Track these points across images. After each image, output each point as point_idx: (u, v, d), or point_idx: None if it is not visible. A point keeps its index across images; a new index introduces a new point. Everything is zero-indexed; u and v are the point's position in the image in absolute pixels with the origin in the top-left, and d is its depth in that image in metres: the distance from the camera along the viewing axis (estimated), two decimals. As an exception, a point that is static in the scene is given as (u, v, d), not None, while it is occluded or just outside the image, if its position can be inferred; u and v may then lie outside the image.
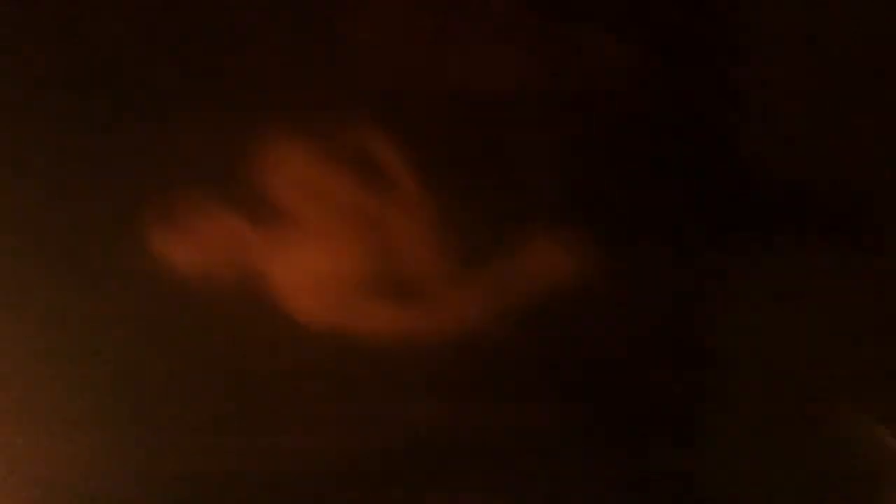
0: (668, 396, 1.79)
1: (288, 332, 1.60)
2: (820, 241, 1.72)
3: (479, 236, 1.62)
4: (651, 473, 1.80)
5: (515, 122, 1.75)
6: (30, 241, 1.59)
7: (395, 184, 1.60)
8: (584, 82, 1.80)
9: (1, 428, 1.56)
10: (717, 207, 1.69)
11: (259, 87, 1.79)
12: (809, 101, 1.64)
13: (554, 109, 1.77)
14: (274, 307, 1.58)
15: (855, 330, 1.68)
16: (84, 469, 1.65)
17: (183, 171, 1.61)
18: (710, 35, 1.77)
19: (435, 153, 1.66)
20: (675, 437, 1.72)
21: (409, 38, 1.82)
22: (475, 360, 1.77)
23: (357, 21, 1.83)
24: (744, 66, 1.63)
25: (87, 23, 1.70)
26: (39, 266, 1.60)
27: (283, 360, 1.75)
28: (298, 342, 1.65)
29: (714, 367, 1.79)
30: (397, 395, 1.78)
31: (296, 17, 1.80)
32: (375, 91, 1.77)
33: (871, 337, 1.67)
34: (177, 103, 1.72)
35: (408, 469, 1.78)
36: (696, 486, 1.75)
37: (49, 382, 1.64)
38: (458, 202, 1.61)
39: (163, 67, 1.71)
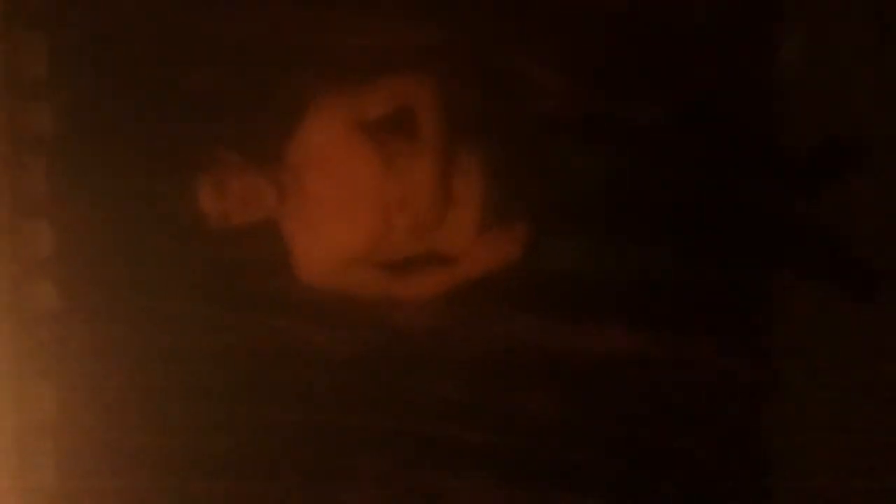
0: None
1: (294, 287, 1.68)
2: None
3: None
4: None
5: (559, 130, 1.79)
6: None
7: (422, 151, 1.62)
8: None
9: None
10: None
11: (304, 61, 1.83)
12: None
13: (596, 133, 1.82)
14: (286, 262, 1.65)
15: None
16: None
17: (227, 135, 1.70)
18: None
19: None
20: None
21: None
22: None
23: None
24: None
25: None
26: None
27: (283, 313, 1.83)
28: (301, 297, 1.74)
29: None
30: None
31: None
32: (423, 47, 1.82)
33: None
34: (227, 75, 1.82)
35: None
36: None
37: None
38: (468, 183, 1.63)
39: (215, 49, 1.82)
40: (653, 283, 1.80)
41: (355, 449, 1.89)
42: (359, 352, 1.84)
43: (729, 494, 1.92)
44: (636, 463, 1.91)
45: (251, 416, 1.85)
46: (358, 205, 1.60)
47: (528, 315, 1.86)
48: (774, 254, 1.83)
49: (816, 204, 1.84)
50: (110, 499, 1.81)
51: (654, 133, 1.80)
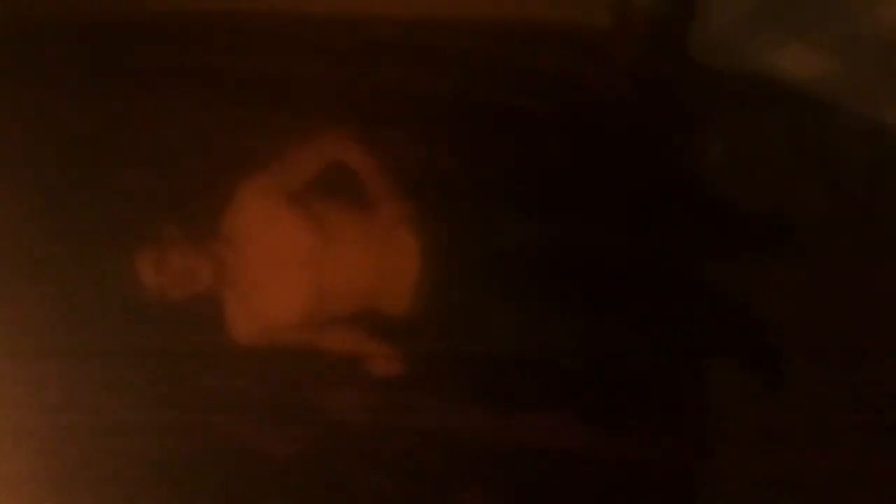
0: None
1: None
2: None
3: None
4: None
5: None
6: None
7: (357, 211, 1.66)
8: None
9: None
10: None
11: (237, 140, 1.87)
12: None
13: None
14: (223, 329, 1.69)
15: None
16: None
17: (162, 212, 1.73)
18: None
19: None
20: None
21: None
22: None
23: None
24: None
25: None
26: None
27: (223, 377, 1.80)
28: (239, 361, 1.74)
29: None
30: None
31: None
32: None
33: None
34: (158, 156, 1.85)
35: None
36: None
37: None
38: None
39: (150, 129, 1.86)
40: (581, 365, 1.83)
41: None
42: (292, 448, 1.81)
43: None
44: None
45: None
46: (291, 273, 1.64)
47: (460, 406, 1.87)
48: (702, 339, 1.87)
49: (743, 282, 1.90)
50: None
51: (585, 213, 1.85)
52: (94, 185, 1.82)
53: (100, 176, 1.83)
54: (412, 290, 1.69)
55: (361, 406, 1.83)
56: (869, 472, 1.92)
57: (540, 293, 1.73)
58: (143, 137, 1.87)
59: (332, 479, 1.83)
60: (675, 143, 2.02)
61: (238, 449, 1.79)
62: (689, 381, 1.95)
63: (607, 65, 2.06)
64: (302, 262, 1.64)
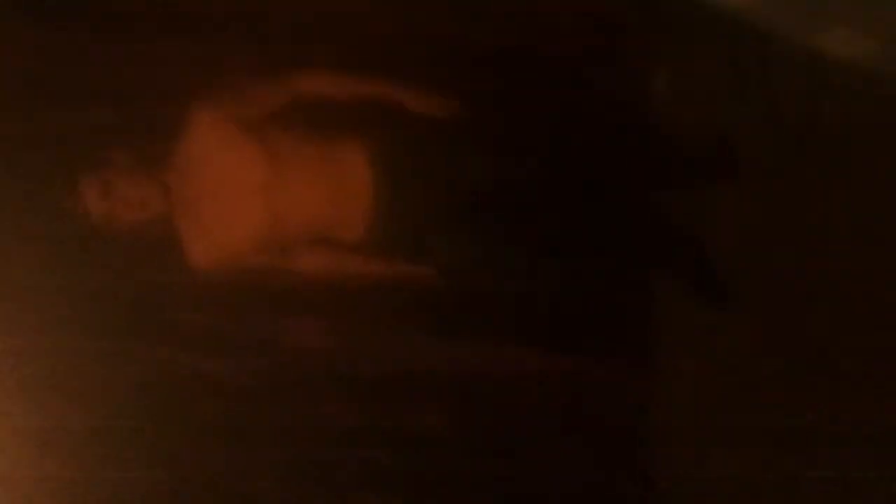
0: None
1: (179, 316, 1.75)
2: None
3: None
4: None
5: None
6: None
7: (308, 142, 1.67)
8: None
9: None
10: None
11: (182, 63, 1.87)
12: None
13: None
14: (177, 254, 1.68)
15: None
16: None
17: (109, 136, 1.73)
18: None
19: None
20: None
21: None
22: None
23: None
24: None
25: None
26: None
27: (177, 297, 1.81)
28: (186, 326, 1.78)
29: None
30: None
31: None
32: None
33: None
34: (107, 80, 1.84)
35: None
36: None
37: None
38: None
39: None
40: (536, 293, 1.87)
41: (250, 479, 1.87)
42: (251, 377, 1.85)
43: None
44: (524, 477, 1.95)
45: (141, 451, 1.81)
46: (244, 198, 1.65)
47: (415, 334, 1.91)
48: (651, 260, 1.93)
49: (688, 210, 1.96)
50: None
51: (535, 143, 1.88)
52: (44, 119, 1.81)
53: (53, 109, 1.81)
54: (367, 218, 1.71)
55: (320, 335, 1.86)
56: (813, 400, 1.99)
57: (493, 224, 1.77)
58: (99, 72, 1.86)
59: (292, 406, 1.86)
60: (623, 76, 2.07)
61: (196, 377, 1.82)
62: (639, 305, 2.01)
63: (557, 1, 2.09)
64: (254, 188, 1.65)
